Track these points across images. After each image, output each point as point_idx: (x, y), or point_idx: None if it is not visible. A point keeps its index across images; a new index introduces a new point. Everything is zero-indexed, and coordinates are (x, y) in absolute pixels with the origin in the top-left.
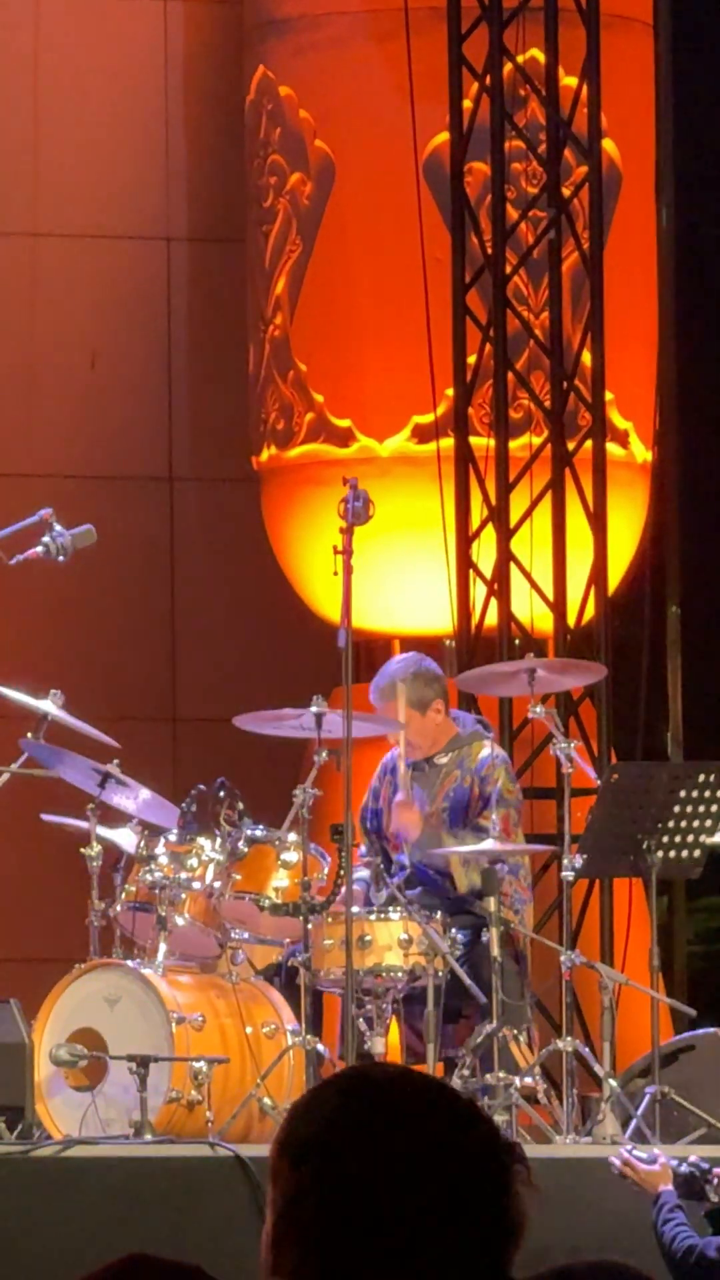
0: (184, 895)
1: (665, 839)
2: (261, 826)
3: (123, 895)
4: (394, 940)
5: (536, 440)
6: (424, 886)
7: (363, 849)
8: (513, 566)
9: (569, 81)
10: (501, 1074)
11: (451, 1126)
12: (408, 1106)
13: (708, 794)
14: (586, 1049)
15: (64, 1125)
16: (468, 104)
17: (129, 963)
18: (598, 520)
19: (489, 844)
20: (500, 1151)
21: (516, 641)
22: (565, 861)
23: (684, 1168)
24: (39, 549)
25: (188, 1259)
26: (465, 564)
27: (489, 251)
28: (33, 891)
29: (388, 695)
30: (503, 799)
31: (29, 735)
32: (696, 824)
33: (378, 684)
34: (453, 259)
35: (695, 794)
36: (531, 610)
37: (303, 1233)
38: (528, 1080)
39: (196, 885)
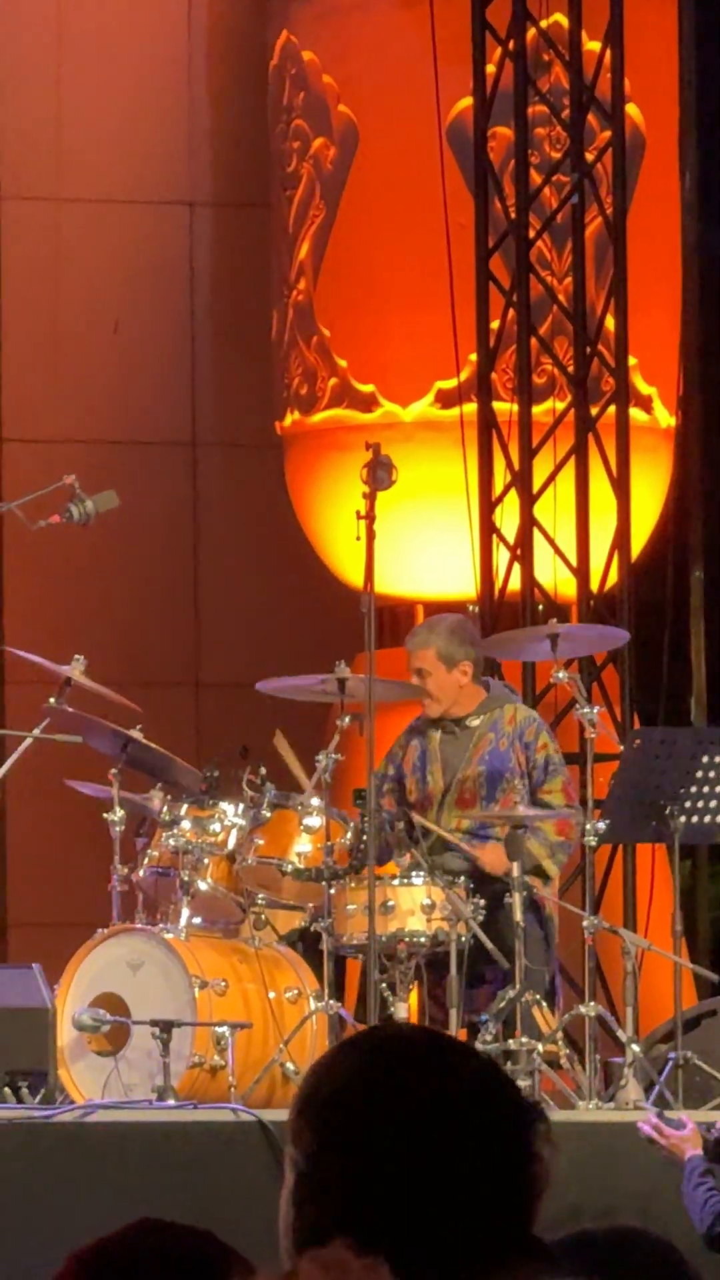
0: (207, 860)
1: (688, 804)
2: (284, 792)
3: (145, 860)
4: (417, 905)
5: (560, 405)
6: (451, 852)
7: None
8: (536, 532)
9: (592, 46)
10: (524, 1039)
11: (472, 1085)
12: (427, 1065)
13: None
14: (609, 1014)
15: (86, 1090)
16: (491, 69)
17: (152, 928)
18: (621, 485)
19: (519, 810)
20: (522, 1110)
21: (540, 607)
22: (588, 827)
23: (714, 1132)
24: (62, 514)
25: (210, 1224)
26: (488, 529)
27: (512, 216)
28: (55, 856)
29: (420, 642)
30: (557, 766)
31: (52, 700)
32: None
33: (414, 631)
34: (476, 224)
35: (719, 759)
36: (555, 575)
37: (322, 1192)
38: (550, 1045)
39: (219, 850)
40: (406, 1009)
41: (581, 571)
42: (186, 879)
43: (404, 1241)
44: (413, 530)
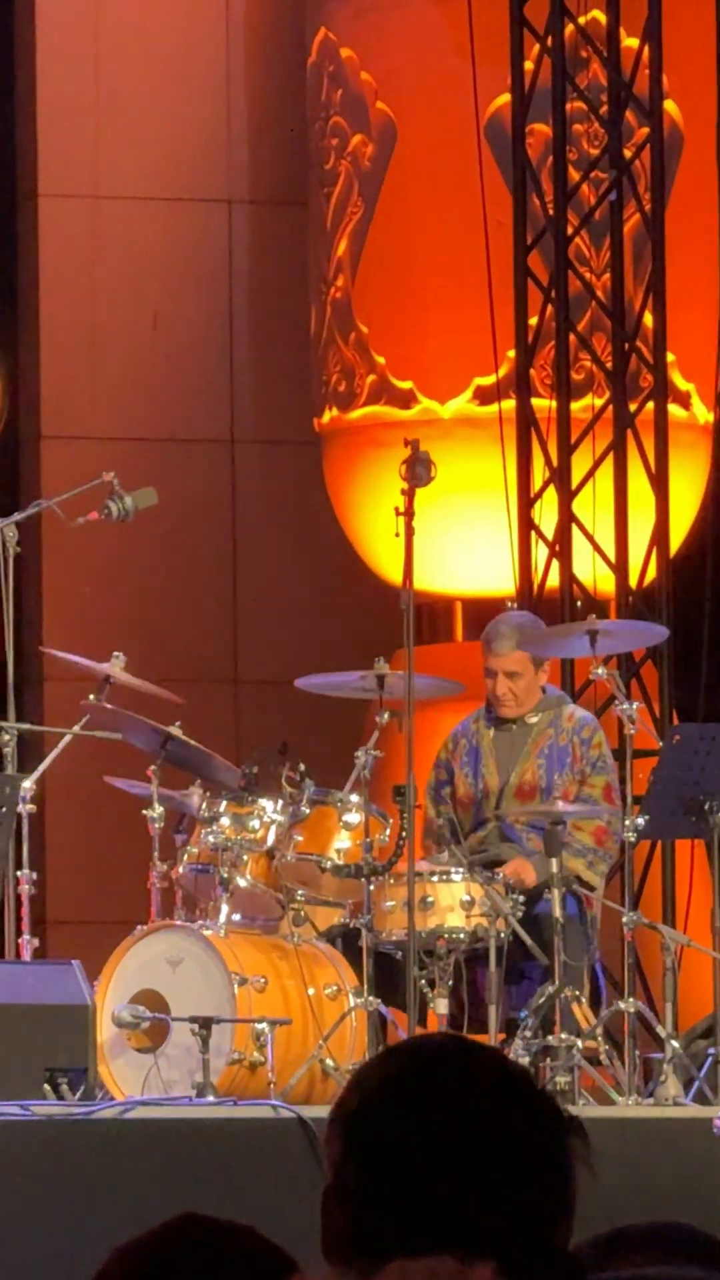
0: (246, 857)
1: None
2: (323, 788)
3: (185, 857)
4: (456, 902)
5: (598, 402)
6: (511, 843)
7: (433, 820)
8: (574, 528)
9: (630, 42)
10: (564, 1035)
11: (502, 1097)
12: (456, 1076)
13: None
14: (649, 1010)
15: (126, 1087)
16: (529, 65)
17: (191, 924)
18: (659, 481)
19: (558, 806)
20: (554, 1125)
21: (578, 603)
22: (627, 823)
23: None
24: (101, 512)
25: (249, 1220)
26: (527, 525)
27: (550, 213)
28: (95, 853)
29: (511, 646)
30: (606, 765)
31: (91, 698)
32: None
33: (500, 638)
34: (514, 220)
35: None
36: (594, 572)
37: (344, 1201)
38: (590, 1041)
39: (258, 847)
40: (446, 1005)
41: (620, 567)
42: (225, 876)
43: (422, 1253)
44: (451, 527)
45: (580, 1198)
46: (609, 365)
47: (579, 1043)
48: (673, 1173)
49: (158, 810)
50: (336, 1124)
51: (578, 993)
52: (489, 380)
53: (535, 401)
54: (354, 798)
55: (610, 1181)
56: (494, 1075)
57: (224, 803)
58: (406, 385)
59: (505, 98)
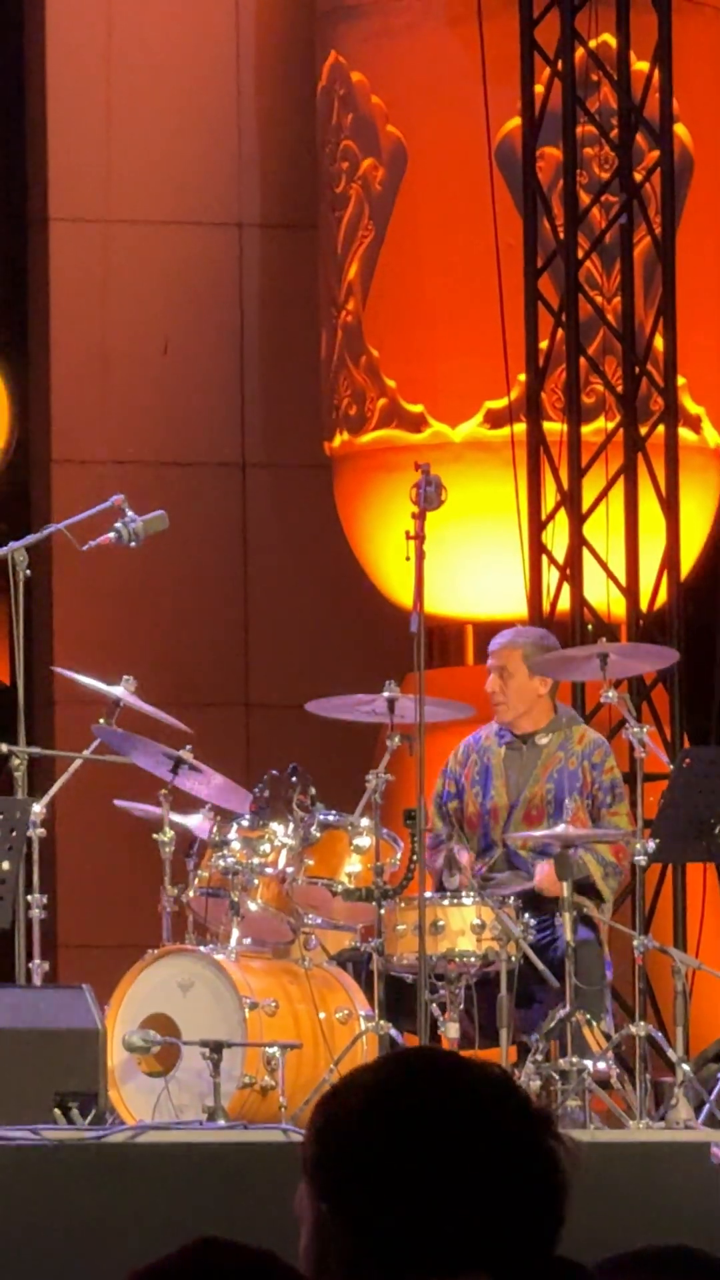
0: (257, 880)
1: None
2: (334, 812)
3: (195, 881)
4: (467, 925)
5: (609, 425)
6: (516, 869)
7: (440, 833)
8: (585, 551)
9: (640, 66)
10: (574, 1059)
11: (486, 1103)
12: (441, 1084)
13: None
14: (660, 1034)
15: (137, 1111)
16: (539, 89)
17: (202, 948)
18: (670, 505)
19: (561, 829)
20: (537, 1126)
21: (589, 626)
22: (638, 846)
23: None
24: (111, 535)
25: (261, 1245)
26: (538, 549)
27: (561, 236)
28: (105, 877)
29: (508, 643)
30: (622, 790)
31: (101, 721)
32: None
33: (501, 635)
34: (525, 244)
35: None
36: (605, 595)
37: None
38: (600, 1065)
39: (269, 871)
40: (457, 1029)
41: (631, 591)
42: (236, 899)
43: (420, 1261)
44: (462, 550)
45: (593, 1221)
46: (619, 389)
47: (590, 1066)
48: (684, 1197)
49: (168, 834)
50: (323, 1137)
51: (589, 1016)
52: (500, 404)
53: (546, 425)
54: (365, 821)
55: (621, 1205)
56: (480, 1081)
57: (235, 826)
58: (417, 409)
59: (516, 121)
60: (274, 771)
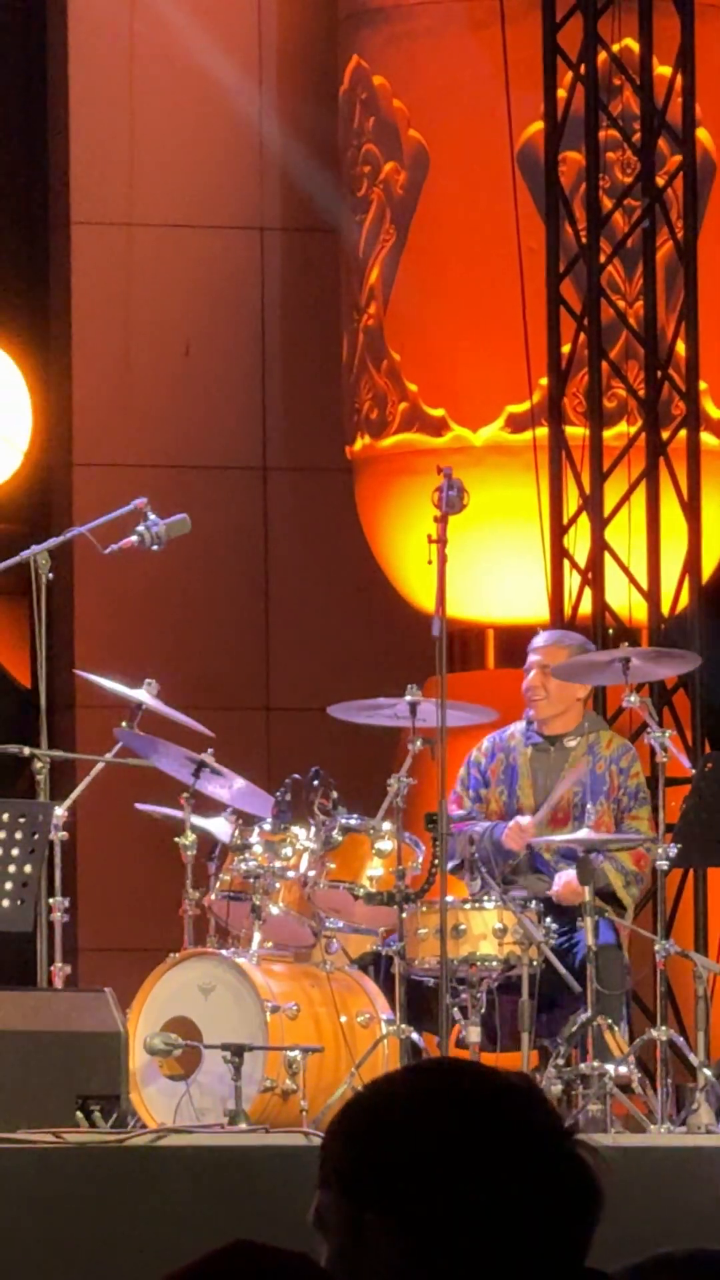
0: (278, 884)
1: None
2: (356, 815)
3: (217, 884)
4: (489, 929)
5: (630, 429)
6: (539, 872)
7: (472, 810)
8: (607, 556)
9: (663, 71)
10: (596, 1063)
11: (514, 1115)
12: (469, 1095)
13: None
14: (681, 1038)
15: (158, 1114)
16: (562, 93)
17: (223, 952)
18: (691, 509)
19: (583, 833)
20: (559, 1135)
21: (610, 630)
22: (660, 851)
23: None
24: (134, 538)
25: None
26: (559, 553)
27: (583, 240)
28: (127, 881)
29: (555, 641)
30: (646, 795)
31: (123, 724)
32: None
33: (547, 634)
34: (547, 248)
35: None
36: (627, 599)
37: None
38: (622, 1069)
39: (291, 874)
40: (479, 1032)
41: (652, 595)
42: (258, 903)
43: (471, 1267)
44: (484, 554)
45: (614, 1225)
46: (641, 393)
47: (611, 1070)
48: (706, 1200)
49: (190, 838)
50: (350, 1143)
51: (610, 1021)
52: (522, 408)
53: (568, 429)
54: (386, 825)
55: (643, 1209)
56: (508, 1093)
57: (256, 830)
58: (439, 413)
59: (538, 125)
60: (295, 775)
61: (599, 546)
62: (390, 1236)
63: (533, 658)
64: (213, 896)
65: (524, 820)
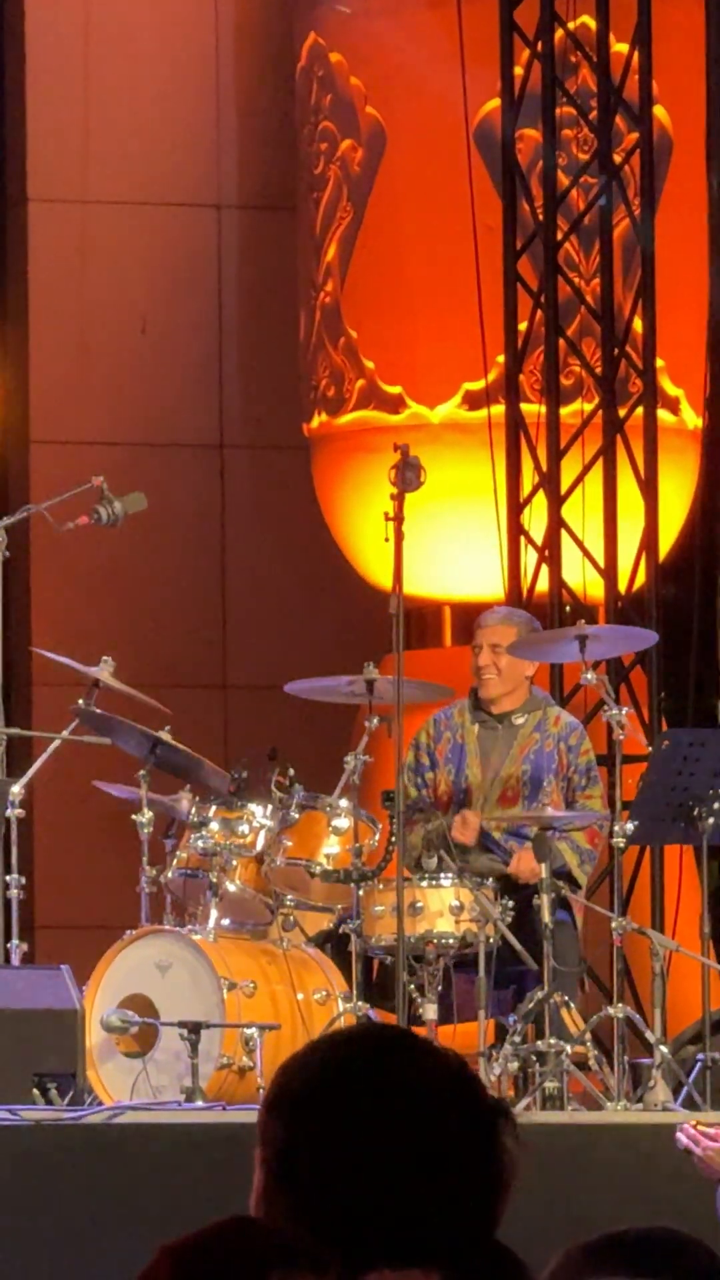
0: (235, 862)
1: (717, 805)
2: (312, 793)
3: (174, 861)
4: (445, 907)
5: (587, 407)
6: (489, 851)
7: (419, 801)
8: (564, 533)
9: (620, 48)
10: (553, 1040)
11: (434, 1083)
12: (393, 1060)
13: None
14: (638, 1015)
15: (115, 1091)
16: (519, 70)
17: (180, 929)
18: (649, 487)
19: (548, 811)
20: (484, 1105)
21: (567, 608)
22: (616, 828)
23: None
24: (90, 516)
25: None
26: (516, 531)
27: (540, 218)
28: (83, 858)
29: (502, 620)
30: (596, 773)
31: (80, 702)
32: None
33: (493, 613)
34: (504, 225)
35: None
36: (583, 577)
37: (291, 1187)
38: (579, 1046)
39: (247, 852)
40: (435, 1010)
41: (609, 572)
42: (215, 880)
43: (360, 1237)
44: (441, 532)
45: (569, 1203)
46: (598, 370)
47: (568, 1048)
48: (662, 1178)
49: (147, 815)
50: (276, 1111)
51: (567, 998)
52: (478, 385)
53: (524, 407)
54: (343, 803)
55: (599, 1187)
56: (432, 1059)
57: (213, 808)
58: (395, 390)
59: (495, 103)
60: (252, 753)
61: (556, 524)
62: (284, 1203)
63: (479, 637)
64: (169, 874)
65: (469, 813)
